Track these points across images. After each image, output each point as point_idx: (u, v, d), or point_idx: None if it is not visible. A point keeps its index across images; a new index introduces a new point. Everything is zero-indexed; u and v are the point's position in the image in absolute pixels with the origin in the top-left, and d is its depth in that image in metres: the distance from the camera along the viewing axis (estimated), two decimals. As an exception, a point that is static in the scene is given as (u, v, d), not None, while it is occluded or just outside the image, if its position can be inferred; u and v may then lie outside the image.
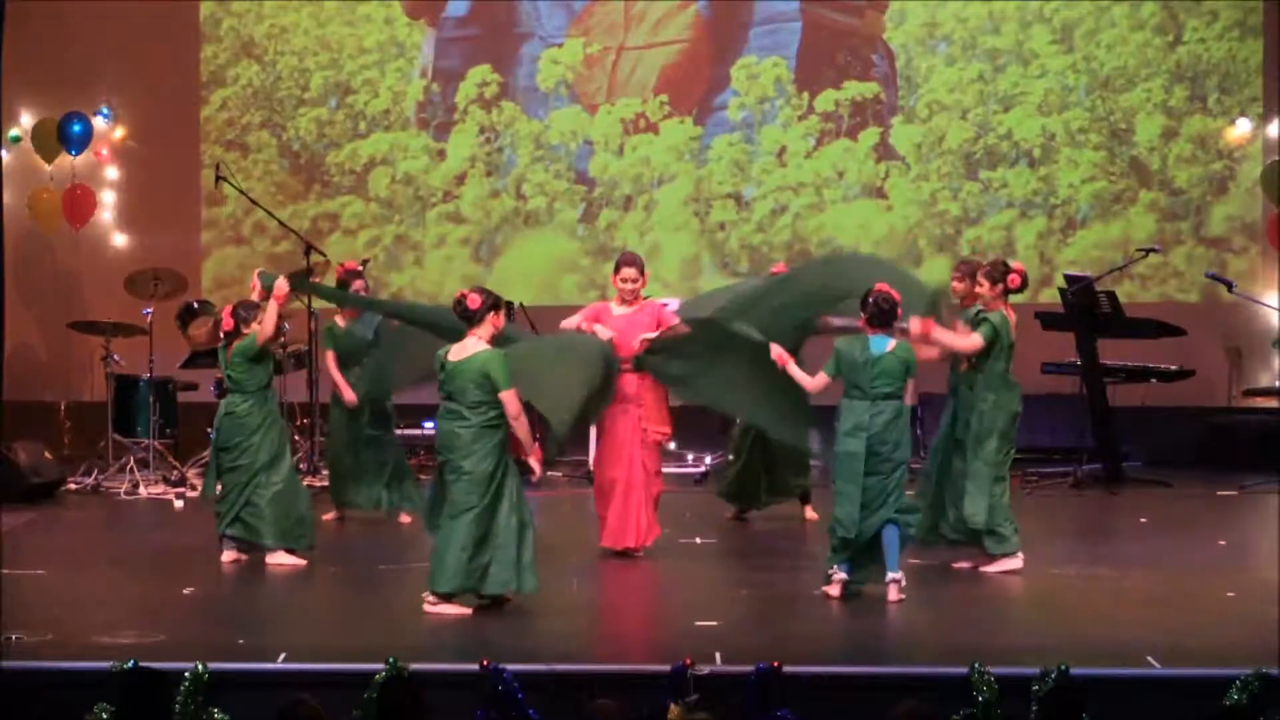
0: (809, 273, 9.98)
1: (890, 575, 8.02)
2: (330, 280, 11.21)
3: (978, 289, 8.94)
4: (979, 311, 8.89)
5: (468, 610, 7.78)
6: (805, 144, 14.31)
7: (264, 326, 9.03)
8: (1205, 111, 14.12)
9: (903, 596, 7.96)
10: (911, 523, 8.14)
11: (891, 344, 8.13)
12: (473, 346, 7.85)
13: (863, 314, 8.17)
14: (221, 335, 9.27)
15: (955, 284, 9.33)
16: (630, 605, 8.52)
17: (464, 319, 7.88)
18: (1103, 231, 14.17)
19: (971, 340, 8.80)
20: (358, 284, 10.66)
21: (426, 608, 7.78)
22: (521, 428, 7.89)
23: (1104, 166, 14.19)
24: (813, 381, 8.34)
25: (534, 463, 8.08)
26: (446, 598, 7.81)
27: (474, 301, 7.84)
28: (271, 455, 9.12)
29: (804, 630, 7.66)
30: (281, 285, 9.05)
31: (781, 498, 10.62)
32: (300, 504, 9.22)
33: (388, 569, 9.06)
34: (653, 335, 9.23)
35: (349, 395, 10.39)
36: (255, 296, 9.21)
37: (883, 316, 8.13)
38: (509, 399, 7.79)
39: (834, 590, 8.13)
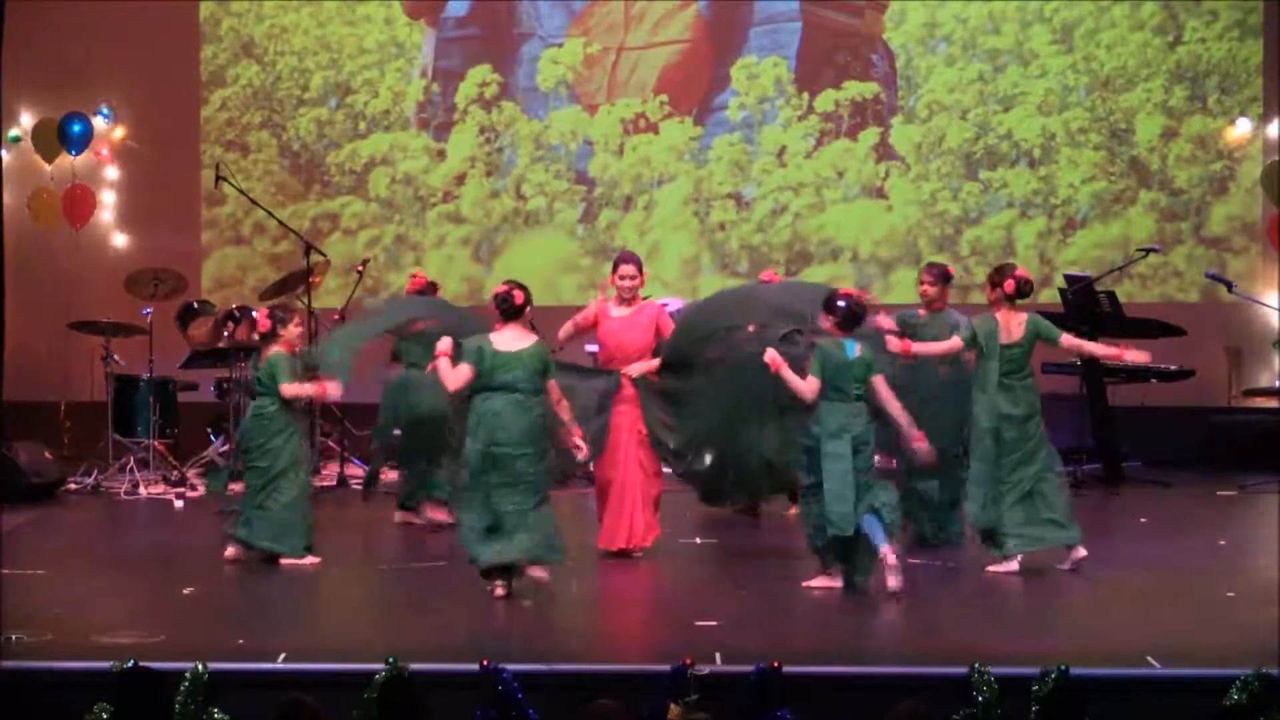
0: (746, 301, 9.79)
1: (883, 549, 8.03)
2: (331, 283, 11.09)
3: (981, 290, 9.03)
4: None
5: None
6: (805, 144, 14.32)
7: (293, 389, 9.08)
8: (1205, 111, 14.12)
9: (902, 581, 7.95)
10: (886, 512, 8.15)
11: (859, 348, 8.24)
12: (523, 338, 8.08)
13: (832, 318, 8.27)
14: (257, 335, 9.26)
15: (927, 288, 9.41)
16: (630, 605, 8.51)
17: (511, 314, 8.09)
18: (1103, 231, 14.17)
19: (950, 343, 8.93)
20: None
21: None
22: (565, 410, 8.21)
23: (1104, 166, 14.19)
24: (806, 386, 8.35)
25: (580, 442, 8.28)
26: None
27: (520, 297, 8.09)
28: (291, 461, 9.11)
29: (804, 630, 7.66)
30: (335, 390, 9.05)
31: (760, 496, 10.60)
32: (308, 511, 9.23)
33: (388, 569, 9.06)
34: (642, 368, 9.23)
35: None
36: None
37: (853, 320, 8.28)
38: (554, 386, 8.13)
39: (835, 582, 8.19)
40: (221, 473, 9.51)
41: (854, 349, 8.25)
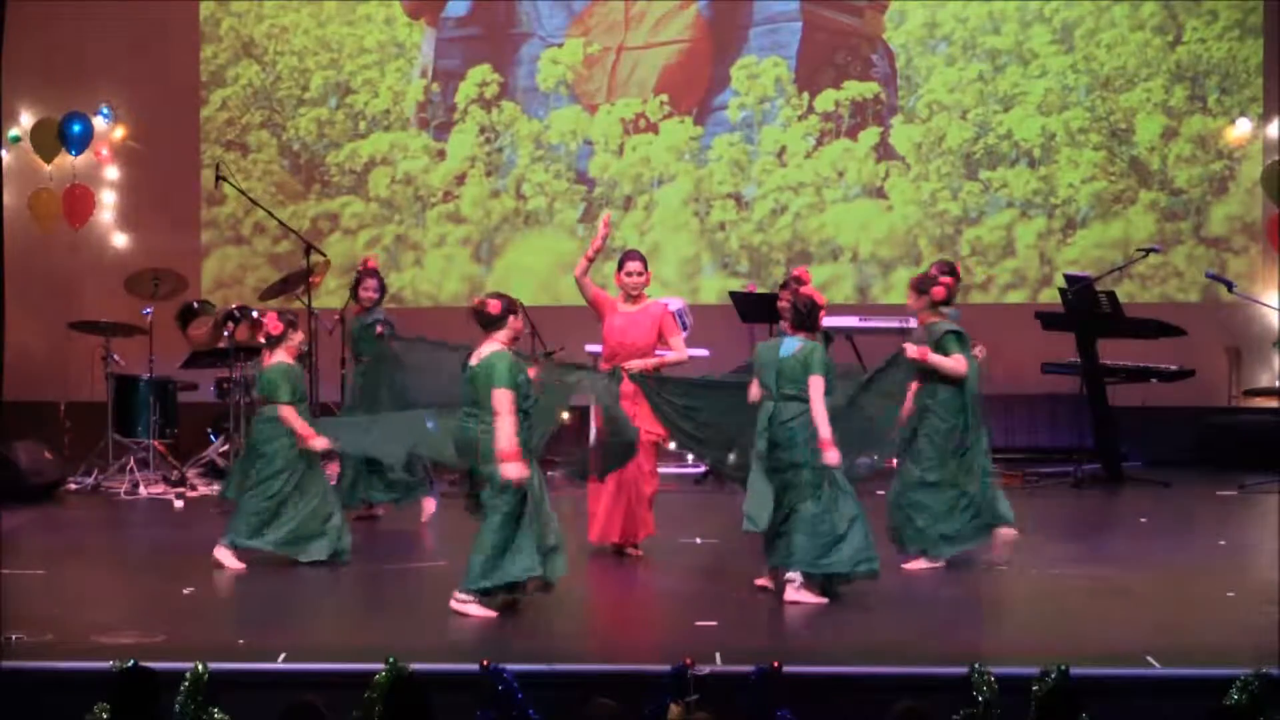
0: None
1: (787, 574, 8.12)
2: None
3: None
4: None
5: (493, 613, 7.72)
6: (805, 144, 14.31)
7: (289, 415, 9.00)
8: (1205, 111, 14.12)
9: (798, 600, 8.01)
10: (802, 525, 8.16)
11: (799, 346, 8.16)
12: (487, 349, 7.76)
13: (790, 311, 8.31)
14: (263, 339, 9.24)
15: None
16: (630, 605, 8.52)
17: (484, 324, 7.80)
18: (1103, 231, 14.17)
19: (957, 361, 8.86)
20: (370, 282, 10.71)
21: (454, 605, 7.72)
22: (503, 429, 7.63)
23: (1104, 166, 14.19)
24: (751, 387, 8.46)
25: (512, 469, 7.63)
26: (478, 596, 7.74)
27: (494, 307, 7.78)
28: (284, 465, 9.04)
29: (804, 630, 7.66)
30: (320, 444, 9.01)
31: None
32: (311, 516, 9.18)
33: (389, 569, 9.06)
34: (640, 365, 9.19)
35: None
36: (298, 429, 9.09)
37: (801, 319, 8.18)
38: (500, 396, 7.61)
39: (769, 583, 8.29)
40: (230, 479, 9.46)
41: (792, 346, 8.17)
